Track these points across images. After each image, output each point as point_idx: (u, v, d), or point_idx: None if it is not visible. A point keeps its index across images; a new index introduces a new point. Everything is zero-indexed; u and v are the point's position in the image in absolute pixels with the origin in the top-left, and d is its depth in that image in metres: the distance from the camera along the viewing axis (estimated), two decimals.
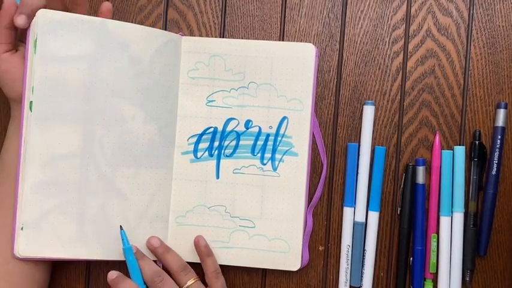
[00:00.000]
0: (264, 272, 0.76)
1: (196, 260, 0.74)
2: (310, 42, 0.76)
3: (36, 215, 0.67)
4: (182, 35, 0.74)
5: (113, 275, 0.69)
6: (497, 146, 0.73)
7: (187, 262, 0.74)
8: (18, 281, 0.69)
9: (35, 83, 0.66)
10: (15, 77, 0.67)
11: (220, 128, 0.74)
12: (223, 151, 0.74)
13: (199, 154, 0.74)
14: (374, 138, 0.75)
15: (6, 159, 0.70)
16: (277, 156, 0.73)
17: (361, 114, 0.75)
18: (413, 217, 0.74)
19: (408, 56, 0.75)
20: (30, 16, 0.66)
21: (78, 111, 0.68)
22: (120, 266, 0.77)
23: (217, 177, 0.74)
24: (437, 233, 0.74)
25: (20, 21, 0.65)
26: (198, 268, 0.76)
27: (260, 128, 0.73)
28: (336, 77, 0.76)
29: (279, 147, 0.73)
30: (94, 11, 0.75)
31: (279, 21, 0.77)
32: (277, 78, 0.73)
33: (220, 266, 0.74)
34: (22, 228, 0.67)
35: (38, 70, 0.66)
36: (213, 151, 0.74)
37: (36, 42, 0.66)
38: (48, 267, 0.73)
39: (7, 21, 0.66)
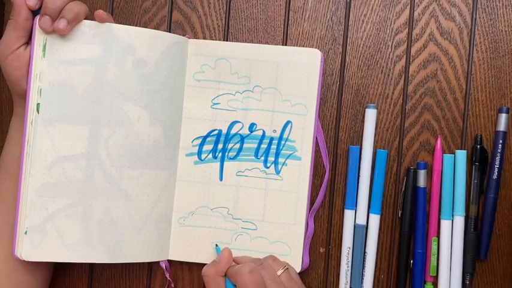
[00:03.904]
0: None
1: (199, 260, 0.75)
2: (313, 45, 0.76)
3: (41, 218, 0.68)
4: (189, 38, 0.75)
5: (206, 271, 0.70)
6: (499, 151, 0.74)
7: (189, 263, 0.75)
8: (18, 278, 0.69)
9: (43, 85, 0.67)
10: (23, 74, 0.68)
11: (224, 131, 0.74)
12: (227, 153, 0.74)
13: (203, 156, 0.75)
14: (376, 142, 0.76)
15: (7, 159, 0.71)
16: (281, 160, 0.74)
17: (363, 117, 0.76)
18: (414, 220, 0.74)
19: (411, 60, 0.76)
20: None
21: (84, 113, 0.68)
22: (124, 267, 0.77)
23: (221, 179, 0.74)
24: (438, 236, 0.74)
25: (31, 2, 0.66)
26: (200, 269, 0.77)
27: (264, 132, 0.74)
28: (338, 80, 0.76)
29: (282, 151, 0.74)
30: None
31: (283, 24, 0.77)
32: (282, 83, 0.74)
33: None
34: (26, 232, 0.67)
35: (46, 73, 0.67)
36: (217, 153, 0.75)
37: (46, 46, 0.67)
38: (49, 264, 0.73)
39: (25, 11, 0.66)
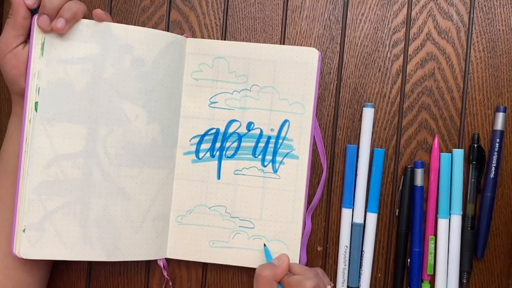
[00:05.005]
0: None
1: (196, 259, 0.75)
2: (311, 44, 0.77)
3: (39, 216, 0.68)
4: (187, 37, 0.75)
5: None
6: (496, 150, 0.74)
7: (187, 261, 0.76)
8: (16, 276, 0.69)
9: (41, 84, 0.67)
10: (22, 72, 0.68)
11: (222, 130, 0.74)
12: (224, 152, 0.75)
13: (201, 155, 0.75)
14: (373, 140, 0.76)
15: (5, 157, 0.71)
16: (278, 158, 0.74)
17: (361, 116, 0.76)
18: (412, 219, 0.75)
19: (408, 59, 0.76)
20: None
21: (82, 112, 0.69)
22: (122, 265, 0.77)
23: (218, 177, 0.75)
24: (435, 235, 0.74)
25: (29, 1, 0.66)
26: (198, 267, 0.77)
27: (261, 131, 0.74)
28: (336, 79, 0.76)
29: (279, 150, 0.74)
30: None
31: (280, 23, 0.77)
32: (279, 82, 0.74)
33: (220, 265, 0.75)
34: (24, 230, 0.67)
35: (44, 72, 0.67)
36: (214, 152, 0.75)
37: (44, 45, 0.67)
38: (48, 262, 0.73)
39: (23, 10, 0.66)
